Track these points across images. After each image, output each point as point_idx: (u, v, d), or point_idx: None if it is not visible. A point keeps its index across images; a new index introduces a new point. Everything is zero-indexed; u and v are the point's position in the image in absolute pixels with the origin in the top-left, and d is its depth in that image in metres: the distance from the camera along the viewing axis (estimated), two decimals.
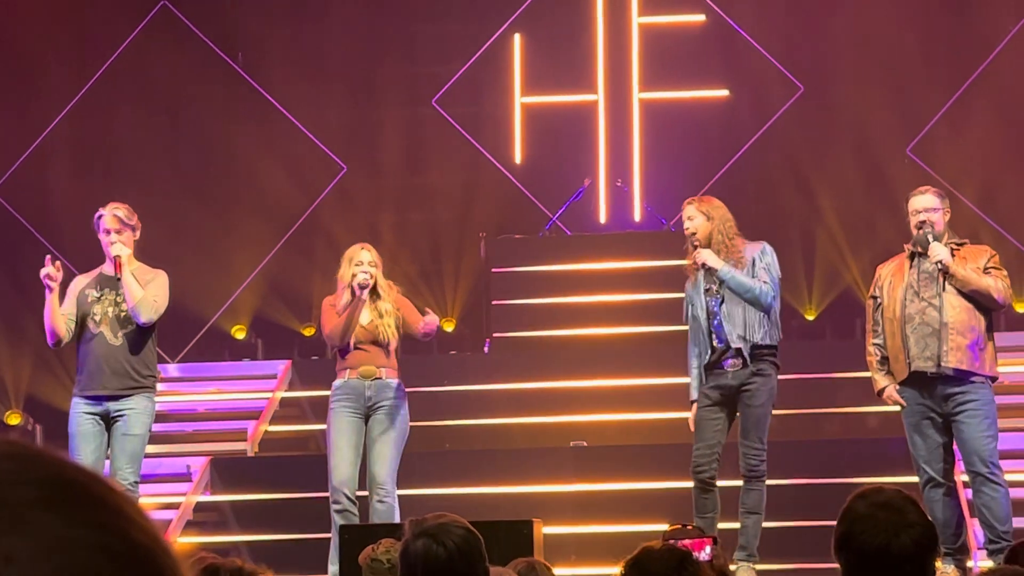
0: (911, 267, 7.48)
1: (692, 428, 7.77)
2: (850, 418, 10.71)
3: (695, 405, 7.77)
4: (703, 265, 7.67)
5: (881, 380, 7.57)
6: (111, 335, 7.68)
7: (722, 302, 7.67)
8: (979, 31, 12.66)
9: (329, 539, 7.98)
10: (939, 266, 7.33)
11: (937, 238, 7.45)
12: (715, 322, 7.69)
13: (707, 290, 7.75)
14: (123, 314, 7.70)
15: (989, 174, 12.31)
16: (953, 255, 7.43)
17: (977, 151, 12.42)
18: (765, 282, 7.70)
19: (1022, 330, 11.22)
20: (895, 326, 7.42)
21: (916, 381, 7.37)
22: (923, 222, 7.45)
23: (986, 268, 7.40)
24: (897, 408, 7.61)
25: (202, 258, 12.99)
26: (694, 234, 7.77)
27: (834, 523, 3.27)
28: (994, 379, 7.44)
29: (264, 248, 13.20)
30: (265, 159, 13.24)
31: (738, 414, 7.75)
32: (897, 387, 7.51)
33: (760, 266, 7.72)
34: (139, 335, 7.69)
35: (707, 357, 7.69)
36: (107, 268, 7.83)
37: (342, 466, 7.89)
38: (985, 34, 12.66)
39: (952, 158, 12.37)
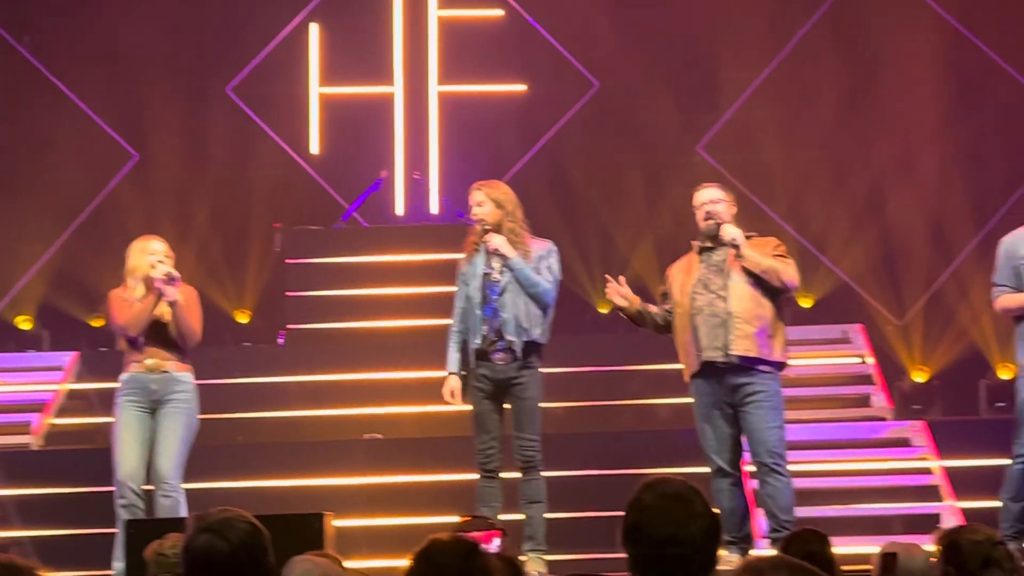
0: (700, 262, 7.62)
1: (449, 398, 7.74)
2: (642, 409, 10.88)
3: (454, 376, 7.75)
4: (495, 251, 7.70)
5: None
6: None
7: (502, 292, 7.70)
8: (771, 30, 12.97)
9: (115, 534, 7.82)
10: (732, 244, 7.46)
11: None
12: (488, 308, 7.70)
13: (486, 274, 7.77)
14: None
15: (779, 171, 12.62)
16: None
17: (768, 149, 12.73)
18: (549, 281, 7.78)
19: (807, 324, 11.53)
20: (685, 320, 7.55)
21: (707, 372, 7.50)
22: (709, 213, 7.60)
23: (773, 255, 7.56)
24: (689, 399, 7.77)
25: None
26: (482, 219, 7.80)
27: (619, 513, 3.31)
28: (782, 366, 7.59)
29: (52, 237, 12.88)
30: (53, 146, 12.90)
31: (507, 407, 7.77)
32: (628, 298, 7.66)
33: (544, 265, 7.79)
34: None
35: (477, 342, 7.69)
36: None
37: (127, 460, 7.79)
38: (778, 30, 12.97)
39: (743, 156, 12.66)
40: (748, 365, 7.44)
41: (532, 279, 7.70)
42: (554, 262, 7.85)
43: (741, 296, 7.45)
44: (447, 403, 7.89)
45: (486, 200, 7.82)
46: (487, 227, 7.76)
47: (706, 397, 7.52)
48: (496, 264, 7.77)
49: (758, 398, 7.43)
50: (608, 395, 10.83)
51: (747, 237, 7.62)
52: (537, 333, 7.71)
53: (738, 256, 7.47)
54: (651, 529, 3.14)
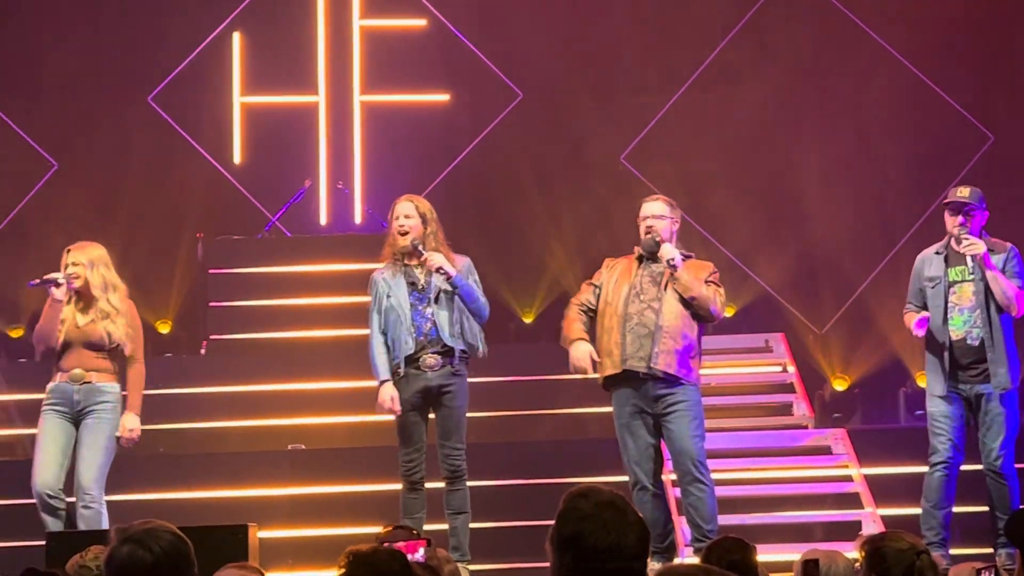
0: (638, 268, 7.67)
1: (389, 404, 7.69)
2: (566, 419, 10.90)
3: (389, 384, 7.71)
4: (438, 269, 7.67)
5: (574, 332, 7.70)
6: None
7: (435, 298, 7.69)
8: (696, 40, 13.06)
9: (34, 546, 7.74)
10: (669, 263, 7.52)
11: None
12: (416, 314, 7.68)
13: (411, 283, 7.75)
14: None
15: (701, 181, 12.71)
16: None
17: (689, 159, 12.81)
18: (483, 296, 7.81)
19: (729, 333, 11.61)
20: (614, 322, 7.59)
21: (628, 380, 7.54)
22: (649, 227, 7.65)
23: (706, 281, 7.63)
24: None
25: None
26: (407, 233, 7.78)
27: (545, 523, 3.31)
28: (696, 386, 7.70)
29: None
30: None
31: (431, 416, 7.77)
32: (600, 380, 7.70)
33: (471, 280, 7.81)
34: None
35: (409, 349, 7.66)
36: None
37: (44, 468, 7.74)
38: (698, 42, 13.06)
39: (665, 166, 12.73)
40: (671, 379, 7.50)
41: (474, 294, 7.72)
42: (476, 278, 7.90)
43: (673, 312, 7.52)
44: (375, 413, 7.86)
45: (414, 213, 7.81)
46: (417, 242, 7.74)
47: (627, 407, 7.56)
48: (422, 275, 7.76)
49: (680, 408, 7.49)
50: (531, 405, 10.84)
51: (686, 257, 7.69)
52: (479, 344, 7.74)
53: (672, 279, 7.54)
54: (593, 538, 3.14)
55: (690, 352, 7.54)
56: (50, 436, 7.79)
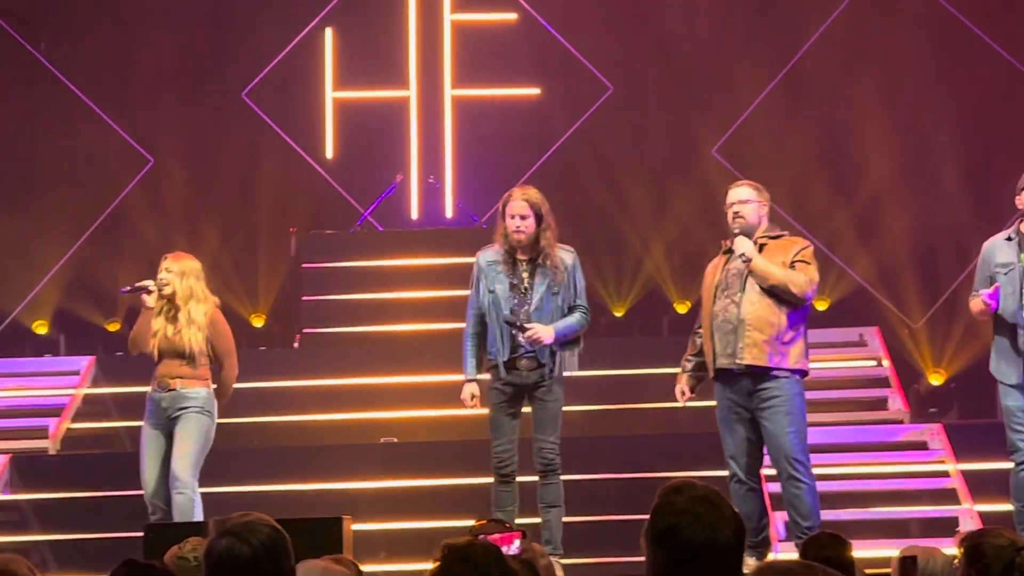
0: (724, 265, 7.58)
1: (470, 402, 7.72)
2: (658, 413, 10.84)
3: (472, 383, 7.73)
4: (535, 341, 7.63)
5: (680, 375, 7.75)
6: None
7: (534, 309, 7.67)
8: (784, 32, 12.95)
9: (131, 537, 7.88)
10: (742, 259, 7.43)
11: (749, 230, 7.52)
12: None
13: (513, 285, 7.72)
14: None
15: (793, 174, 12.60)
16: (762, 249, 7.50)
17: (782, 151, 12.71)
18: (583, 308, 7.76)
19: (822, 327, 11.50)
20: (707, 323, 7.53)
21: (722, 378, 7.48)
22: (736, 214, 7.53)
23: (793, 262, 7.49)
24: (704, 403, 7.76)
25: (2, 251, 12.66)
26: (521, 231, 7.70)
27: (639, 517, 3.29)
28: (804, 373, 7.52)
29: (68, 242, 12.90)
30: (70, 151, 12.92)
31: (526, 409, 7.77)
32: (689, 383, 7.67)
33: (577, 278, 7.76)
34: None
35: (505, 354, 7.68)
36: None
37: (149, 480, 8.05)
38: (790, 36, 12.95)
39: (757, 158, 12.64)
40: (760, 372, 7.39)
41: (573, 330, 7.72)
42: (580, 273, 7.84)
43: (754, 302, 7.39)
44: (463, 407, 7.88)
45: (528, 212, 7.71)
46: (522, 322, 7.62)
47: (724, 401, 7.50)
48: (526, 278, 7.73)
49: (774, 403, 7.38)
50: (624, 399, 10.80)
51: (775, 237, 7.53)
52: (573, 362, 7.74)
53: (748, 272, 7.42)
54: (688, 533, 3.12)
55: (781, 339, 7.38)
56: (148, 448, 8.07)
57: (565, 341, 7.72)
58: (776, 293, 7.40)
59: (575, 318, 7.72)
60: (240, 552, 3.21)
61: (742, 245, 7.43)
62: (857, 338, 11.60)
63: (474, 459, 8.82)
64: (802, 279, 7.41)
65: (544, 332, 7.62)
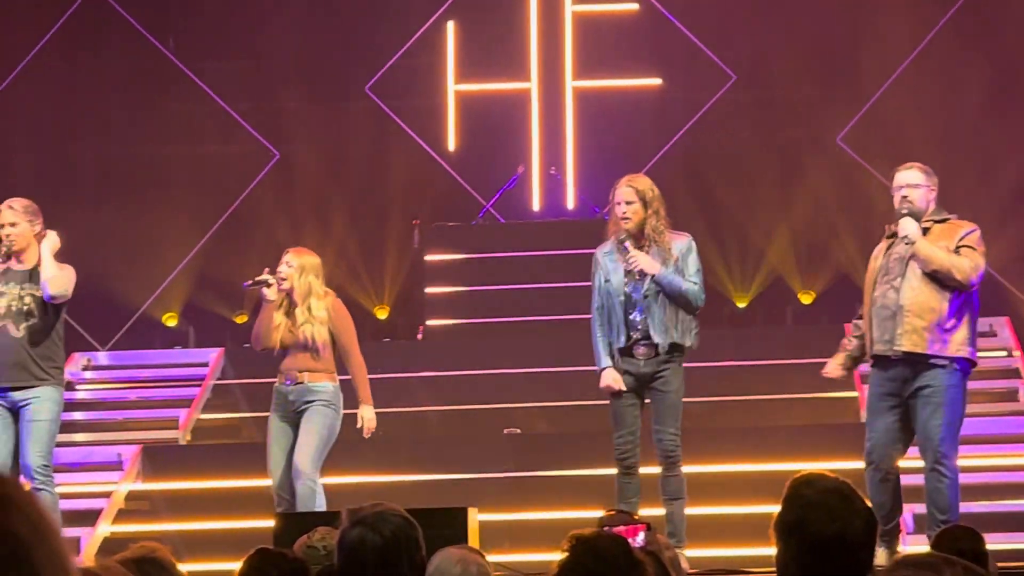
0: (887, 250, 7.41)
1: (613, 385, 7.71)
2: (780, 404, 10.75)
3: (610, 369, 7.72)
4: (640, 272, 7.63)
5: (836, 354, 7.64)
6: (13, 327, 7.69)
7: (646, 294, 7.65)
8: (913, 16, 12.76)
9: (260, 526, 8.01)
10: (905, 241, 7.25)
11: (916, 216, 7.32)
12: (629, 306, 7.65)
13: (628, 272, 7.71)
14: (25, 307, 7.73)
15: (921, 162, 12.38)
16: (927, 232, 7.27)
17: (907, 139, 12.53)
18: (695, 283, 7.71)
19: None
20: (867, 309, 7.38)
21: (880, 364, 7.32)
22: (904, 198, 7.36)
23: (958, 247, 7.30)
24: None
25: (132, 245, 12.90)
26: (627, 217, 7.70)
27: (767, 508, 3.28)
28: (970, 363, 7.26)
29: (196, 235, 13.11)
30: (197, 146, 13.14)
31: (647, 400, 7.74)
32: (844, 363, 7.56)
33: (689, 260, 7.72)
34: (42, 327, 7.72)
35: (621, 341, 7.66)
36: (13, 263, 7.82)
37: (275, 472, 8.13)
38: (914, 24, 12.76)
39: (882, 147, 12.47)
40: (918, 360, 7.24)
41: (679, 287, 7.63)
42: (695, 257, 7.79)
43: (914, 288, 7.16)
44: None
45: (634, 198, 7.74)
46: (627, 239, 7.66)
47: (877, 388, 7.34)
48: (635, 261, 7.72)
49: (929, 392, 7.15)
50: (747, 390, 10.73)
51: (941, 221, 7.35)
52: (688, 340, 7.68)
53: (911, 256, 7.24)
54: (817, 525, 3.11)
55: (942, 326, 7.14)
56: (275, 440, 8.15)
57: (671, 293, 7.62)
58: (939, 278, 7.16)
59: (683, 281, 7.67)
60: (372, 542, 3.25)
61: (907, 226, 7.21)
62: (987, 328, 11.39)
63: (597, 450, 8.82)
64: (967, 264, 7.17)
65: (646, 261, 7.60)
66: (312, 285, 8.11)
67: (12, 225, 7.75)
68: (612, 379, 7.69)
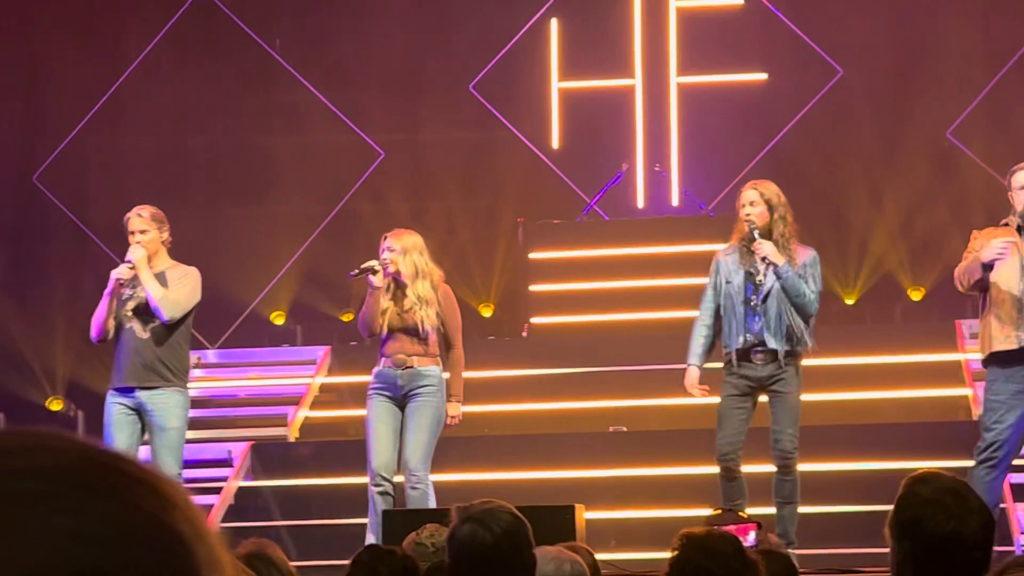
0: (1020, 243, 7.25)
1: (691, 389, 7.67)
2: (897, 402, 10.62)
3: (694, 368, 7.67)
4: (764, 258, 7.57)
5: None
6: (140, 329, 7.79)
7: (765, 297, 7.58)
8: (1019, 10, 12.55)
9: (367, 523, 8.01)
10: None
11: None
12: (748, 310, 7.59)
13: (749, 274, 7.65)
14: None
15: None
16: None
17: (1019, 133, 12.33)
18: (813, 291, 7.64)
19: None
20: (1003, 296, 7.22)
21: (1003, 359, 7.19)
22: None
23: None
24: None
25: (241, 244, 13.05)
26: (752, 220, 7.64)
27: (874, 508, 3.24)
28: None
29: (303, 234, 13.23)
30: (303, 146, 13.26)
31: (763, 400, 7.67)
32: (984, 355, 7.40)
33: (809, 274, 7.65)
34: (167, 329, 7.80)
35: (739, 343, 7.61)
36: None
37: (381, 451, 7.96)
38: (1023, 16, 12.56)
39: (992, 141, 12.29)
40: None
41: (799, 288, 7.56)
42: (819, 272, 7.73)
43: None
44: (689, 395, 7.84)
45: (759, 200, 7.68)
46: (756, 229, 7.63)
47: (1002, 383, 7.21)
48: (761, 266, 7.66)
49: None
50: (858, 386, 10.61)
51: None
52: (805, 343, 7.60)
53: None
54: (932, 524, 3.07)
55: None
56: (381, 420, 8.00)
57: (789, 290, 7.55)
58: None
59: (803, 283, 7.60)
60: (483, 538, 3.25)
61: None
62: None
63: (704, 448, 8.76)
64: None
65: (771, 249, 7.53)
66: (418, 264, 8.04)
67: (142, 232, 7.88)
68: (691, 384, 7.68)
